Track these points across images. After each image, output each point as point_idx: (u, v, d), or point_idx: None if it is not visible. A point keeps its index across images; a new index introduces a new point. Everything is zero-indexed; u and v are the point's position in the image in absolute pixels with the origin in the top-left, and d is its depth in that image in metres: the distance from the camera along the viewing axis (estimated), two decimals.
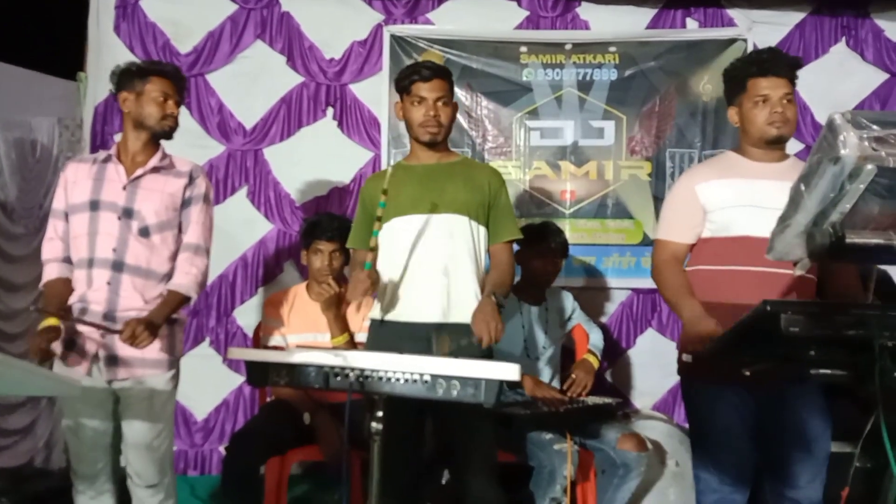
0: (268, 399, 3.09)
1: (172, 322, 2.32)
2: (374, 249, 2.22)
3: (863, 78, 3.77)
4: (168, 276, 2.33)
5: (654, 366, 3.66)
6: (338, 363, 1.53)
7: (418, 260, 2.30)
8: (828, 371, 1.51)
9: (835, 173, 1.32)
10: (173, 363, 2.35)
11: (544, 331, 3.11)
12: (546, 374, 3.09)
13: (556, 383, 3.10)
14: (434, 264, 2.29)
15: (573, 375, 3.02)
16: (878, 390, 1.36)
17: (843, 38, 3.78)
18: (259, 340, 3.06)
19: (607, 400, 2.95)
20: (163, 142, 2.43)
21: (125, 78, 2.36)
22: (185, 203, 2.36)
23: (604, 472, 2.79)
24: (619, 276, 3.77)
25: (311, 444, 2.76)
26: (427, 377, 1.54)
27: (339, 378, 1.53)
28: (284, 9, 3.77)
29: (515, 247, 2.80)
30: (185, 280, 2.31)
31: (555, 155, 3.82)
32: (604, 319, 3.74)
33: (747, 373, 1.66)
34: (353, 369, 1.53)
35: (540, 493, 2.62)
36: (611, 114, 3.79)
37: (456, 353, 2.20)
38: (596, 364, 3.10)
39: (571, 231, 3.74)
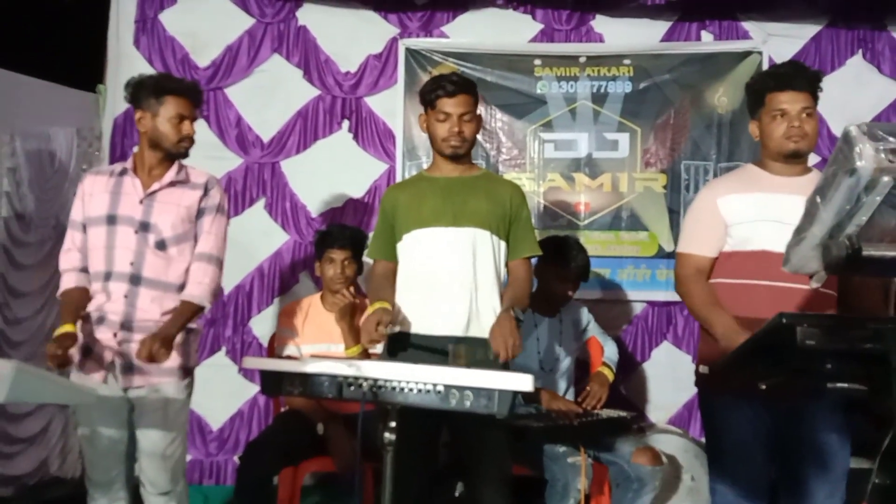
0: (282, 409, 3.10)
1: (188, 331, 2.33)
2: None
3: (879, 91, 3.75)
4: (184, 287, 2.34)
5: (670, 379, 3.64)
6: (351, 373, 1.53)
7: (439, 273, 2.29)
8: (844, 385, 1.50)
9: (850, 185, 1.31)
10: (188, 371, 2.36)
11: (559, 343, 3.10)
12: (561, 386, 3.08)
13: (570, 396, 3.08)
14: (455, 278, 2.28)
15: (588, 388, 3.01)
16: (895, 405, 1.34)
17: (860, 51, 3.76)
18: (274, 350, 3.08)
19: (622, 413, 2.93)
20: None
21: (140, 94, 2.35)
22: (200, 213, 2.38)
23: (618, 485, 2.77)
24: (634, 289, 3.75)
25: (324, 454, 2.76)
26: (440, 388, 1.54)
27: (352, 388, 1.54)
28: (301, 23, 3.82)
29: (533, 260, 2.80)
30: (197, 290, 2.32)
31: (569, 167, 3.82)
32: (619, 332, 3.72)
33: (763, 386, 1.65)
34: (366, 379, 1.54)
35: None
36: (625, 126, 3.79)
37: (472, 366, 2.19)
38: (611, 377, 3.08)
39: (586, 243, 3.68)
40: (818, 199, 1.39)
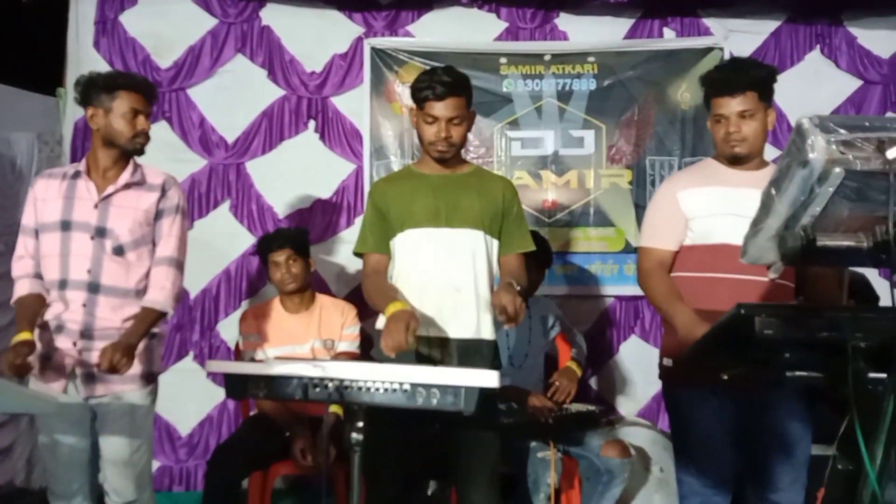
0: (252, 413, 3.08)
1: (151, 336, 2.29)
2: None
3: (837, 85, 3.82)
4: (145, 292, 2.30)
5: (638, 372, 3.69)
6: (316, 374, 1.53)
7: (434, 275, 2.23)
8: (803, 373, 1.52)
9: (804, 177, 1.33)
10: (152, 378, 2.32)
11: (528, 340, 3.11)
12: (531, 381, 3.09)
13: (539, 392, 3.09)
14: (449, 280, 2.23)
15: (556, 383, 3.02)
16: (852, 391, 1.37)
17: (818, 46, 3.83)
18: (240, 356, 3.05)
19: (591, 407, 2.95)
20: (140, 156, 2.39)
21: (91, 91, 2.28)
22: (158, 215, 2.32)
23: (588, 479, 2.79)
24: (602, 284, 3.79)
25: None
26: (407, 386, 1.54)
27: (317, 389, 1.53)
28: (265, 23, 3.79)
29: None
30: (160, 296, 2.27)
31: (536, 164, 3.84)
32: (587, 327, 3.75)
33: (725, 377, 1.67)
34: (332, 380, 1.53)
35: (525, 500, 2.62)
36: (590, 123, 3.81)
37: (464, 365, 2.14)
38: (579, 372, 3.10)
39: (554, 240, 3.75)
40: (773, 192, 1.42)
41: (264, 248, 3.02)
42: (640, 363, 3.68)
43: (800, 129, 1.33)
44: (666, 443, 3.10)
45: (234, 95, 3.76)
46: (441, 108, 2.19)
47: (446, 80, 2.20)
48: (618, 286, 3.76)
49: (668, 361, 2.23)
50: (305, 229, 3.24)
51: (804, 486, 2.16)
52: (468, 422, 1.67)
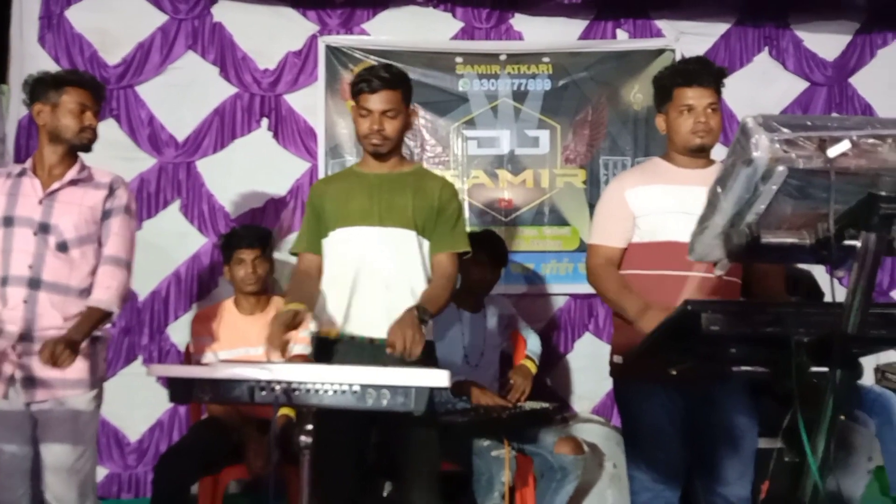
0: (203, 417, 3.01)
1: (94, 339, 2.23)
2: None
3: (785, 86, 3.92)
4: (89, 292, 2.24)
5: (593, 369, 3.71)
6: (263, 377, 1.49)
7: (363, 274, 2.23)
8: (748, 368, 1.55)
9: (748, 175, 1.35)
10: (96, 382, 2.26)
11: (483, 338, 3.12)
12: (486, 379, 3.09)
13: (495, 389, 3.10)
14: (379, 279, 2.23)
15: (511, 381, 3.04)
16: (795, 385, 1.39)
17: (766, 48, 3.92)
18: (190, 359, 2.99)
19: (544, 405, 2.96)
20: (87, 154, 2.35)
21: (39, 88, 2.26)
22: (105, 215, 2.28)
23: (542, 476, 2.80)
24: (557, 282, 3.81)
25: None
26: (356, 387, 1.52)
27: (264, 392, 1.50)
28: (216, 19, 3.72)
29: None
30: (105, 295, 2.22)
31: (492, 164, 3.85)
32: (542, 325, 3.77)
33: (674, 372, 1.69)
34: (279, 382, 1.50)
35: (479, 499, 2.62)
36: (545, 123, 3.84)
37: (402, 365, 2.13)
38: (534, 369, 3.12)
39: (510, 239, 3.77)
40: (719, 190, 1.43)
41: (232, 243, 2.96)
42: (593, 360, 3.69)
43: (744, 127, 1.35)
44: (619, 439, 3.12)
45: (184, 93, 3.69)
46: (375, 101, 2.21)
47: (381, 75, 2.23)
48: (572, 284, 3.78)
49: (618, 358, 2.25)
50: (271, 231, 3.19)
51: (751, 480, 2.20)
52: (406, 420, 1.66)
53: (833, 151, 1.32)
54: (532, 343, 3.26)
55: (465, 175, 3.84)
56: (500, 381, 3.16)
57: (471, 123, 3.84)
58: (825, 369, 1.41)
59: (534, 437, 2.84)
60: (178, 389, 1.52)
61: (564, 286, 3.81)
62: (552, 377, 3.80)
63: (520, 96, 3.83)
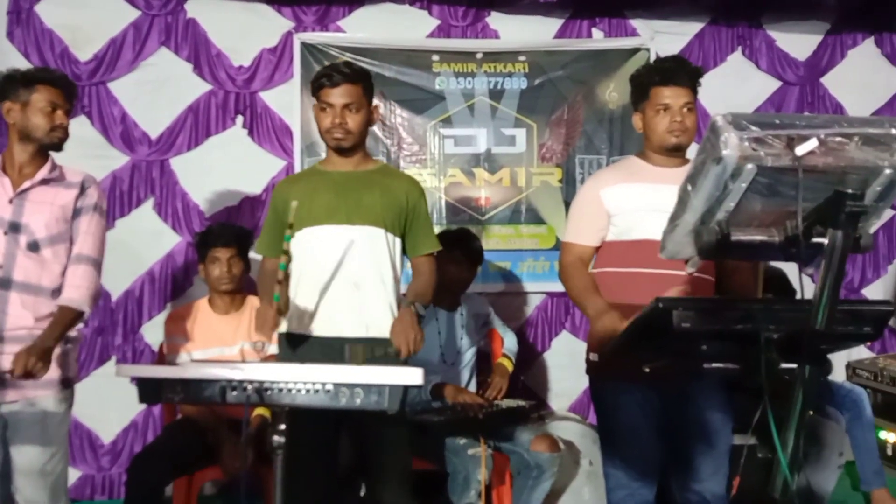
0: (178, 417, 2.98)
1: (66, 340, 2.20)
2: (282, 283, 2.11)
3: (758, 85, 3.96)
4: (60, 291, 2.21)
5: (570, 367, 3.72)
6: (234, 376, 1.48)
7: (332, 273, 2.23)
8: (720, 365, 1.56)
9: (718, 173, 1.36)
10: (67, 383, 2.23)
11: (460, 336, 3.12)
12: (463, 378, 3.10)
13: (472, 388, 3.11)
14: (349, 277, 2.23)
15: (488, 380, 3.04)
16: (765, 381, 1.41)
17: (740, 48, 3.96)
18: (164, 359, 2.95)
19: (521, 403, 2.97)
20: (58, 153, 2.31)
21: (9, 86, 2.22)
22: (76, 214, 2.25)
23: (519, 474, 2.81)
24: (534, 281, 3.82)
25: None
26: (329, 386, 1.51)
27: (236, 392, 1.48)
28: (190, 15, 3.67)
29: None
30: (76, 294, 2.19)
31: (469, 162, 3.85)
32: (520, 323, 3.78)
33: (647, 369, 1.70)
34: (251, 382, 1.48)
35: (455, 498, 2.62)
36: (522, 122, 3.84)
37: (371, 364, 2.16)
38: (510, 367, 3.13)
39: (487, 237, 3.78)
40: (689, 187, 1.44)
41: (207, 241, 2.93)
42: (570, 358, 3.71)
43: (714, 126, 1.36)
44: (595, 436, 3.13)
45: (157, 90, 3.64)
46: (336, 95, 2.23)
47: (342, 69, 2.26)
48: (549, 283, 3.79)
49: (594, 356, 2.26)
50: (250, 231, 3.16)
51: (726, 475, 2.22)
52: (376, 420, 1.67)
53: (801, 150, 1.33)
54: (509, 341, 3.26)
55: (441, 173, 3.83)
56: (477, 380, 3.16)
57: (447, 122, 3.84)
58: (794, 365, 1.42)
59: (510, 435, 2.85)
60: (148, 390, 1.50)
61: (541, 284, 3.82)
62: (529, 375, 3.82)
63: (496, 95, 3.84)
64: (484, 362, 3.28)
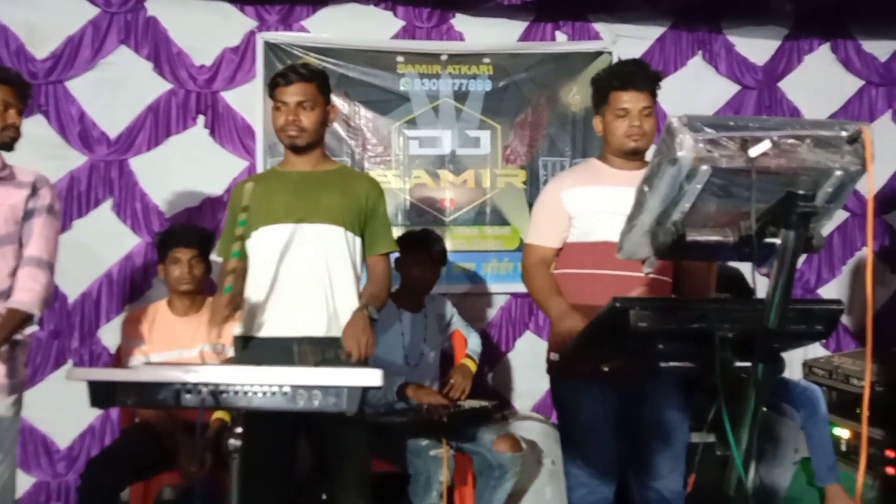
0: (136, 421, 2.93)
1: (14, 343, 2.14)
2: (235, 271, 2.10)
3: (717, 89, 4.02)
4: (9, 294, 2.15)
5: (533, 368, 3.72)
6: (189, 379, 1.46)
7: (290, 272, 2.22)
8: (676, 364, 1.58)
9: (673, 174, 1.38)
10: (15, 387, 2.17)
11: (423, 338, 3.11)
12: (427, 379, 3.09)
13: (435, 388, 3.10)
14: (308, 277, 2.22)
15: (452, 380, 3.04)
16: (719, 380, 1.43)
17: (700, 53, 4.01)
18: (120, 362, 2.90)
19: (484, 403, 2.97)
20: (15, 152, 2.25)
21: None
22: (28, 215, 2.20)
23: (481, 474, 2.81)
24: (498, 282, 3.83)
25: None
26: (287, 388, 1.49)
27: (190, 395, 1.46)
28: (150, 13, 3.61)
29: (394, 254, 2.79)
30: (26, 297, 2.13)
31: (434, 164, 3.85)
32: (484, 324, 3.79)
33: (605, 368, 1.72)
34: (206, 385, 1.46)
35: (417, 500, 2.62)
36: (486, 124, 3.86)
37: (325, 365, 2.15)
38: (474, 368, 3.13)
39: (452, 238, 3.78)
40: (646, 189, 1.46)
41: (168, 241, 2.89)
42: (534, 358, 3.72)
43: (669, 128, 1.38)
44: (558, 436, 3.15)
45: (116, 89, 3.57)
46: (289, 93, 2.24)
47: (297, 69, 2.28)
48: (513, 284, 3.80)
49: (554, 356, 2.28)
50: (213, 232, 3.12)
51: (683, 473, 2.25)
52: (334, 422, 1.66)
53: (754, 151, 1.35)
54: (473, 342, 3.27)
55: (406, 175, 3.82)
56: (440, 381, 3.16)
57: (412, 123, 3.83)
58: (748, 364, 1.45)
59: (473, 435, 2.85)
60: (99, 393, 1.47)
61: (505, 285, 3.83)
62: (493, 375, 3.83)
63: (461, 96, 3.84)
64: (448, 363, 3.28)
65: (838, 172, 1.38)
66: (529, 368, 3.76)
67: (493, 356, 3.78)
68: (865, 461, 1.54)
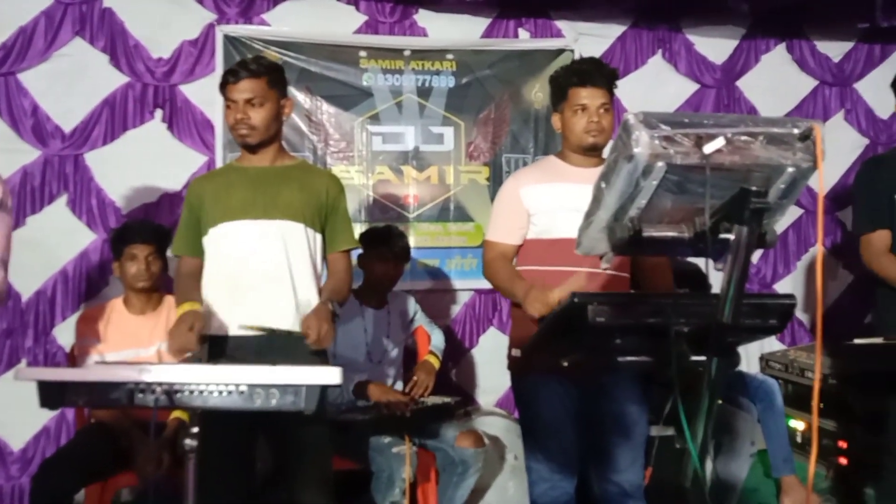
0: (92, 422, 2.87)
1: None
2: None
3: (677, 88, 4.07)
4: None
5: (497, 363, 3.69)
6: (142, 378, 1.43)
7: (249, 268, 2.19)
8: (633, 358, 1.59)
9: (630, 171, 1.39)
10: None
11: (387, 334, 3.10)
12: (389, 377, 3.08)
13: (399, 386, 3.10)
14: (267, 273, 2.19)
15: (415, 377, 3.04)
16: (675, 374, 1.45)
17: (660, 51, 4.06)
18: (75, 361, 2.83)
19: (446, 399, 2.97)
20: None
21: None
22: None
23: (444, 470, 2.81)
24: (462, 278, 3.84)
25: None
26: (244, 387, 1.47)
27: (143, 395, 1.43)
28: (106, 4, 3.53)
29: (357, 251, 2.78)
30: None
31: (397, 160, 3.83)
32: (449, 320, 3.79)
33: (565, 364, 1.73)
34: (160, 384, 1.43)
35: (380, 497, 2.61)
36: (450, 120, 3.85)
37: (290, 362, 2.12)
38: (437, 364, 3.13)
39: (416, 235, 3.77)
40: (603, 185, 1.47)
41: (124, 237, 2.83)
42: (498, 354, 3.67)
43: (626, 124, 1.38)
44: (520, 431, 3.18)
45: (71, 82, 3.49)
46: (237, 91, 2.20)
47: (247, 65, 2.23)
48: (477, 280, 3.78)
49: (516, 352, 2.29)
50: (170, 229, 3.07)
51: (642, 466, 2.28)
52: (294, 421, 1.64)
53: (709, 148, 1.37)
54: (436, 338, 3.27)
55: (369, 171, 3.80)
56: (404, 378, 3.15)
57: (375, 118, 3.81)
58: (704, 358, 1.47)
59: (436, 432, 2.85)
60: (49, 393, 1.44)
61: (469, 281, 3.83)
62: (457, 371, 3.83)
63: (424, 92, 3.83)
64: (411, 360, 3.28)
65: (790, 169, 1.40)
66: (493, 364, 3.76)
67: (457, 352, 3.78)
68: (816, 452, 1.57)
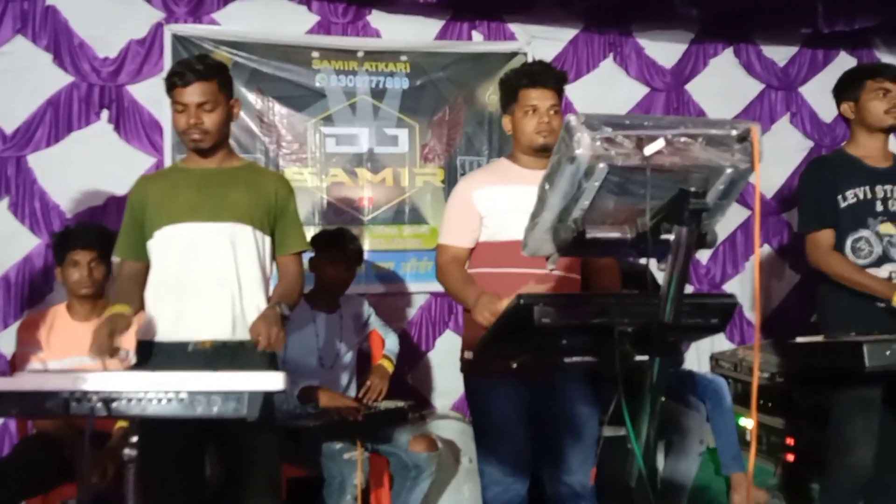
0: (33, 432, 2.78)
1: None
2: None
3: (628, 91, 4.12)
4: None
5: (452, 366, 3.66)
6: (77, 387, 1.39)
7: (195, 272, 2.13)
8: (579, 358, 1.60)
9: (572, 172, 1.39)
10: None
11: (339, 338, 3.07)
12: (343, 381, 3.06)
13: (352, 390, 3.07)
14: (214, 277, 2.14)
15: (368, 382, 3.01)
16: (619, 373, 1.46)
17: (611, 55, 4.11)
18: (15, 370, 2.74)
19: (399, 404, 2.95)
20: None
21: None
22: None
23: (398, 475, 2.80)
24: (418, 281, 3.82)
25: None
26: (183, 395, 1.44)
27: (79, 403, 1.39)
28: (49, 2, 3.43)
29: (309, 254, 2.74)
30: None
31: (351, 162, 3.80)
32: (404, 323, 3.78)
33: (514, 365, 1.73)
34: (96, 393, 1.39)
35: (332, 503, 2.58)
36: (404, 122, 3.84)
37: (237, 369, 2.08)
38: (391, 368, 3.11)
39: (370, 237, 3.75)
40: (547, 186, 1.48)
41: (66, 243, 2.74)
42: (453, 357, 3.65)
43: (568, 126, 1.39)
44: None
45: (13, 81, 3.38)
46: (188, 95, 2.13)
47: (194, 67, 2.15)
48: (432, 283, 3.68)
49: (468, 354, 2.29)
50: (115, 232, 2.99)
51: (594, 466, 2.30)
52: (242, 428, 1.61)
53: (649, 149, 1.39)
54: (390, 342, 3.24)
55: (323, 173, 3.77)
56: (357, 382, 3.12)
57: (329, 120, 3.77)
58: (647, 357, 1.48)
59: (389, 436, 2.83)
60: None
61: (425, 284, 3.82)
62: (413, 375, 3.82)
63: (378, 94, 3.81)
64: (365, 364, 3.25)
65: (729, 170, 1.43)
66: (449, 367, 3.71)
67: (413, 355, 3.77)
68: (755, 448, 1.60)
